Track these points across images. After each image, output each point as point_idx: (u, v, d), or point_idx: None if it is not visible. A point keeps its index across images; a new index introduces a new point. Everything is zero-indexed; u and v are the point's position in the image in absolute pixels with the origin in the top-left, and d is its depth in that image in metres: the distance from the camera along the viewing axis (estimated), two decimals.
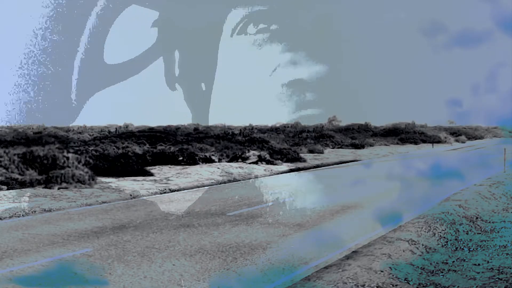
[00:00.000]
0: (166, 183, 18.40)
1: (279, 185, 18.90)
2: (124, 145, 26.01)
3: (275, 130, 50.98)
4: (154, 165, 23.42)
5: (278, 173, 23.42)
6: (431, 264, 8.45)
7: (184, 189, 17.62)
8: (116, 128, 47.34)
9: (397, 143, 49.76)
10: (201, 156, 25.29)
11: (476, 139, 66.45)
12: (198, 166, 23.77)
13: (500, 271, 7.92)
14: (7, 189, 15.73)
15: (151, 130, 37.17)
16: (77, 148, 23.23)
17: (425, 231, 10.53)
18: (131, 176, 19.72)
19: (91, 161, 19.97)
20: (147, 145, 28.15)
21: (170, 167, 23.17)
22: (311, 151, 34.86)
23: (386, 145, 47.45)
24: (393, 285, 7.18)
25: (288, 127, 56.61)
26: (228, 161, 26.21)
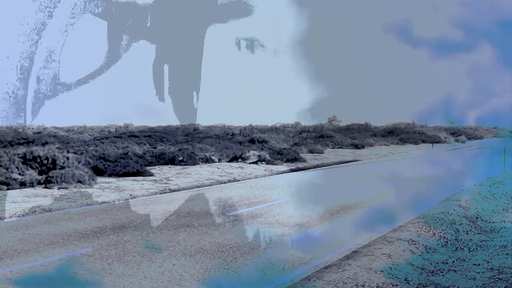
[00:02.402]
0: (166, 183, 18.40)
1: (279, 185, 18.89)
2: (124, 145, 26.01)
3: (275, 130, 50.98)
4: (154, 165, 23.42)
5: (278, 173, 23.42)
6: (431, 264, 8.45)
7: (184, 189, 17.62)
8: (116, 128, 47.35)
9: (397, 143, 49.76)
10: (201, 156, 25.29)
11: (476, 139, 66.46)
12: (198, 166, 23.77)
13: (500, 271, 7.92)
14: (7, 189, 15.73)
15: (151, 130, 37.18)
16: (77, 148, 23.22)
17: (425, 231, 10.53)
18: (131, 176, 19.72)
19: (91, 161, 19.97)
20: (147, 145, 28.15)
21: (170, 167, 23.17)
22: (311, 151, 34.85)
23: (386, 145, 47.45)
24: (393, 285, 7.18)
25: (288, 127, 56.61)
26: (228, 161, 26.21)
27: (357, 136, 48.25)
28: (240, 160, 26.32)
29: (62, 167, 17.49)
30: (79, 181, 16.83)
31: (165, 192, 16.74)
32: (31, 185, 16.35)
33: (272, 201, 14.77)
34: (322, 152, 35.19)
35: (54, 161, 17.66)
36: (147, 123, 41.95)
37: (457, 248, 9.53)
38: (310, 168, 26.20)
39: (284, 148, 30.60)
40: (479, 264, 8.39)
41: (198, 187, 18.21)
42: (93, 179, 17.42)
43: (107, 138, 31.87)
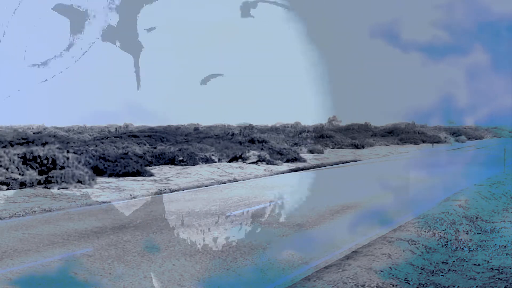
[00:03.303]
0: (166, 183, 18.40)
1: (279, 185, 18.89)
2: (124, 145, 26.01)
3: (275, 130, 50.97)
4: (154, 165, 23.42)
5: (278, 173, 23.42)
6: (431, 264, 8.45)
7: (184, 189, 17.62)
8: (116, 128, 47.37)
9: (397, 143, 49.77)
10: (201, 156, 25.29)
11: (476, 139, 66.51)
12: (198, 166, 23.77)
13: (500, 271, 7.92)
14: (7, 189, 15.73)
15: (151, 130, 37.20)
16: (77, 148, 23.23)
17: (425, 231, 10.53)
18: (131, 176, 19.72)
19: (91, 161, 19.97)
20: (147, 145, 28.16)
21: (170, 167, 23.17)
22: (311, 151, 34.86)
23: (386, 145, 47.46)
24: (393, 285, 7.18)
25: (288, 127, 56.62)
26: (228, 161, 26.21)
27: (357, 136, 48.27)
28: (240, 160, 26.32)
29: (62, 167, 17.49)
30: (79, 181, 16.83)
31: (165, 192, 16.74)
32: (31, 185, 16.34)
33: (272, 201, 14.76)
34: (322, 152, 35.19)
35: (54, 161, 17.66)
36: (147, 123, 42.03)
37: (457, 248, 9.53)
38: (310, 168, 26.20)
39: (284, 148, 30.59)
40: (479, 264, 8.39)
41: (198, 187, 18.21)
42: (93, 179, 17.42)
43: (107, 138, 31.88)
